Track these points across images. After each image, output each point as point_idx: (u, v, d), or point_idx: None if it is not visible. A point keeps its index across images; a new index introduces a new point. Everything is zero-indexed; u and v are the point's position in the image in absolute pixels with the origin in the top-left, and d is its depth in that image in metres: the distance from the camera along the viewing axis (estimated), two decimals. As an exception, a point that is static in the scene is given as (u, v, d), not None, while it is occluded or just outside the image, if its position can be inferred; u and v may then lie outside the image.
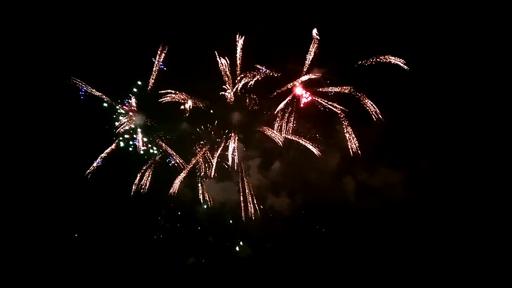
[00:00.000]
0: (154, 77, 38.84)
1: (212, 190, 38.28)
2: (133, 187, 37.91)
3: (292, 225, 37.04)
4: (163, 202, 38.72)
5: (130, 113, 39.16)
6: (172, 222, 39.19)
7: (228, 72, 38.68)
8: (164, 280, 36.55)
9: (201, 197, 38.58)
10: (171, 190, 37.98)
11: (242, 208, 37.06)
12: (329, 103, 36.97)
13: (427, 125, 36.40)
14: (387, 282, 32.64)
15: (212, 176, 38.60)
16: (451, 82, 36.18)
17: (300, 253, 35.73)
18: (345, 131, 36.16)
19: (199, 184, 38.82)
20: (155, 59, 38.58)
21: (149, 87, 39.00)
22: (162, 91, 38.55)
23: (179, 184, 38.27)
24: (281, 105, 37.39)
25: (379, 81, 36.16)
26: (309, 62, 37.29)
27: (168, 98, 38.68)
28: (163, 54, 38.59)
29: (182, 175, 38.43)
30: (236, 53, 38.69)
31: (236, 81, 38.90)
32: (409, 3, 36.75)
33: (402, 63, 35.47)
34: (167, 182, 38.36)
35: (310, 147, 36.48)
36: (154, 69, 38.73)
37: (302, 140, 37.04)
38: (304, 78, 37.58)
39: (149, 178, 38.26)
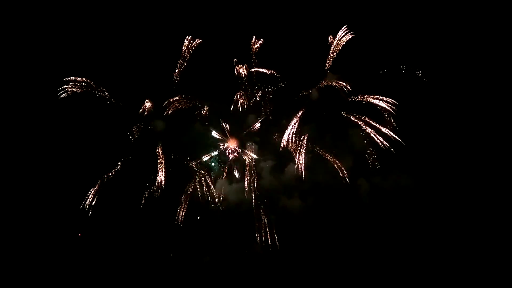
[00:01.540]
0: (177, 75, 39.66)
1: (227, 191, 38.98)
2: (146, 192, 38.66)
3: (305, 226, 37.64)
4: (178, 203, 39.12)
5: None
6: (188, 222, 39.59)
7: (245, 77, 39.52)
8: (179, 278, 37.12)
9: (216, 199, 39.17)
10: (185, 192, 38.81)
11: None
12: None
13: (438, 130, 37.42)
14: (398, 282, 33.32)
15: (224, 178, 39.54)
16: (464, 90, 37.25)
17: (313, 254, 36.32)
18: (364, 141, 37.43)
19: (214, 186, 39.48)
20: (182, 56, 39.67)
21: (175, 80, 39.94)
22: (175, 98, 39.71)
23: (193, 186, 39.06)
24: (287, 135, 38.11)
25: (393, 87, 37.18)
26: (327, 68, 38.33)
27: (182, 104, 39.68)
28: (187, 56, 39.53)
29: (197, 178, 39.23)
30: (253, 57, 39.68)
31: (254, 90, 39.97)
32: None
33: (418, 73, 36.72)
34: (182, 184, 39.11)
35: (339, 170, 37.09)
36: (176, 71, 39.60)
37: (331, 159, 37.61)
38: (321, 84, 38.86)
39: (164, 180, 38.88)
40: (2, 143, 38.53)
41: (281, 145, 37.99)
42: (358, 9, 39.65)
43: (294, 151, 37.37)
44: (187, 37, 39.92)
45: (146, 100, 40.20)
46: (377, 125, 36.82)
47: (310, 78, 39.31)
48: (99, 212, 38.43)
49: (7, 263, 35.52)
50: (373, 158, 37.31)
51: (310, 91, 39.36)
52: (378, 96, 37.59)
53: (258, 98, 40.87)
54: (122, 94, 39.95)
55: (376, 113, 37.66)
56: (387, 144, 36.07)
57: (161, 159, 39.23)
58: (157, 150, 39.54)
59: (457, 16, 38.37)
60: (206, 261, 37.51)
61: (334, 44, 38.64)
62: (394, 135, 36.18)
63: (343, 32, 38.53)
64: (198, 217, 39.47)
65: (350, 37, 38.38)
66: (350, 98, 38.42)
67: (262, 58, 40.05)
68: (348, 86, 38.34)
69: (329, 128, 38.84)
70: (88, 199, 37.88)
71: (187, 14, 41.30)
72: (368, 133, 36.96)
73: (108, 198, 38.62)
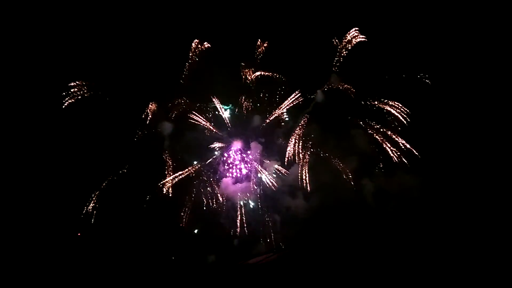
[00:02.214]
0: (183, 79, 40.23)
1: (232, 191, 39.13)
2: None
3: (309, 227, 37.76)
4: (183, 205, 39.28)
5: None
6: (191, 225, 39.72)
7: (251, 80, 39.95)
8: (183, 278, 37.20)
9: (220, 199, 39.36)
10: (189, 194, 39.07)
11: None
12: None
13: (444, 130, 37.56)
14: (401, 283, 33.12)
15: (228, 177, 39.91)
16: (470, 91, 37.42)
17: (316, 255, 36.29)
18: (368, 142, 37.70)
19: (218, 186, 39.75)
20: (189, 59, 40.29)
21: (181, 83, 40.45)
22: (180, 101, 40.29)
23: (197, 187, 39.43)
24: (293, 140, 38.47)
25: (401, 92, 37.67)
26: (334, 71, 39.01)
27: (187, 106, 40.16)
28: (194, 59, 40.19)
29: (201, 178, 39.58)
30: (258, 59, 40.13)
31: (261, 94, 40.59)
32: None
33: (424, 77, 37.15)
34: (187, 184, 39.43)
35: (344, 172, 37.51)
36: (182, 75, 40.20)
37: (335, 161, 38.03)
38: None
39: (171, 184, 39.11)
40: (8, 145, 38.88)
41: (287, 154, 38.24)
42: (368, 11, 39.81)
43: (300, 160, 37.92)
44: (195, 40, 40.46)
45: (151, 103, 40.47)
46: (389, 133, 37.25)
47: (316, 80, 39.60)
48: (101, 213, 38.89)
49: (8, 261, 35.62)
50: (377, 159, 37.48)
51: (316, 93, 39.61)
52: (385, 101, 37.92)
53: (264, 101, 41.26)
54: (127, 97, 40.36)
55: (382, 117, 38.06)
56: (400, 155, 36.39)
57: (169, 163, 39.59)
58: (164, 155, 39.86)
59: (477, 22, 38.34)
60: (211, 261, 37.75)
61: (341, 46, 39.01)
62: (404, 143, 36.40)
63: (352, 34, 38.83)
64: (197, 230, 39.88)
65: (359, 40, 38.58)
66: (357, 101, 38.80)
67: (268, 60, 40.68)
68: (352, 88, 38.83)
69: (333, 129, 38.99)
70: (91, 203, 38.30)
71: (194, 17, 41.65)
72: (377, 140, 37.43)
73: (111, 200, 39.02)
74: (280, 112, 39.81)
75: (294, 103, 39.15)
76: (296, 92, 38.87)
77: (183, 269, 38.23)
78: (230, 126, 40.40)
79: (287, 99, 39.36)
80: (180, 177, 39.48)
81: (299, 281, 34.87)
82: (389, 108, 37.82)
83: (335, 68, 39.28)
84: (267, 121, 40.31)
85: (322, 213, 37.23)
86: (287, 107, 39.59)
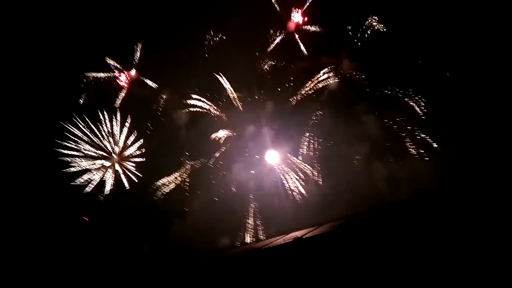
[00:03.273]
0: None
1: (244, 176, 39.50)
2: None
3: (320, 212, 37.50)
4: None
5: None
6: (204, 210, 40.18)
7: (264, 70, 40.38)
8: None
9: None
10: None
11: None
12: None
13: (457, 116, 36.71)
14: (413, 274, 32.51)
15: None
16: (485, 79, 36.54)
17: (327, 242, 36.03)
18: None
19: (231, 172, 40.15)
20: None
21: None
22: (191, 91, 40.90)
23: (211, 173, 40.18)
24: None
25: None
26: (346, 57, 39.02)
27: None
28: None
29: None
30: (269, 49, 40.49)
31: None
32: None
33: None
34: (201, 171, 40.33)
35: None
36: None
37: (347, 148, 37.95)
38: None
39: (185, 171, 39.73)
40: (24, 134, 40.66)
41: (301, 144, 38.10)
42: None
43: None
44: (209, 32, 41.07)
45: (164, 95, 41.27)
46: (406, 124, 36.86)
47: (330, 67, 39.57)
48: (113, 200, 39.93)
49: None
50: (390, 145, 37.08)
51: (330, 81, 39.51)
52: (401, 90, 37.45)
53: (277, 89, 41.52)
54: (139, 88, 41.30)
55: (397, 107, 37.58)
56: (417, 147, 36.00)
57: (184, 152, 40.23)
58: (179, 144, 40.52)
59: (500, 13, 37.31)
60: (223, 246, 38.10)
61: (358, 34, 38.89)
62: (422, 134, 36.06)
63: (370, 22, 38.60)
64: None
65: (377, 28, 38.28)
66: (370, 89, 38.52)
67: (282, 48, 40.91)
68: (366, 76, 38.67)
69: (346, 115, 38.76)
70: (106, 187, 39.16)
71: (207, 7, 42.19)
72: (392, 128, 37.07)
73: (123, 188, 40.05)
74: (307, 90, 39.82)
75: (323, 83, 39.36)
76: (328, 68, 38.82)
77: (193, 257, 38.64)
78: (242, 114, 40.70)
79: (317, 75, 39.42)
80: (196, 166, 40.20)
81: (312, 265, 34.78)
82: (405, 98, 37.32)
83: (348, 54, 39.14)
84: (292, 101, 40.42)
85: (334, 197, 37.01)
86: (317, 84, 39.64)
